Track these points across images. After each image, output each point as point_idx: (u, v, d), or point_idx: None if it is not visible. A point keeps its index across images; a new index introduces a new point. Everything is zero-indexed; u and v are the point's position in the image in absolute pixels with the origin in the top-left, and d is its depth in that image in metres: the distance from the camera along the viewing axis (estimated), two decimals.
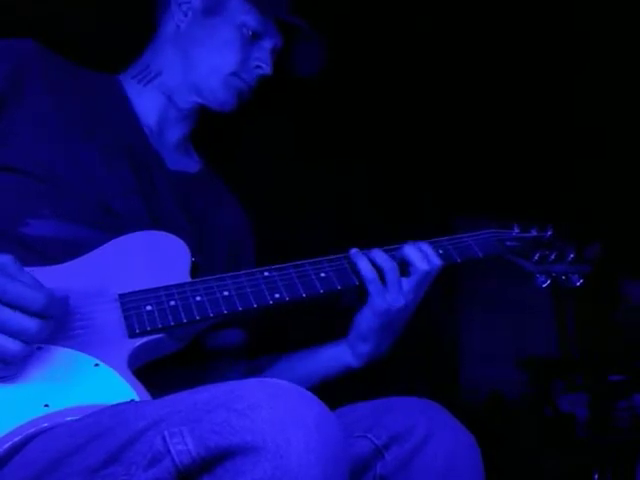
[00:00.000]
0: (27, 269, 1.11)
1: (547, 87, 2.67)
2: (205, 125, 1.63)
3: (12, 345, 1.06)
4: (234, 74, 1.55)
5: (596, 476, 2.48)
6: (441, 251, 1.46)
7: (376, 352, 1.46)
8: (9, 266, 1.08)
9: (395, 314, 1.41)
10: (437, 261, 1.43)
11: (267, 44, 1.58)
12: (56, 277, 1.23)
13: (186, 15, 1.56)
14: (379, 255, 1.40)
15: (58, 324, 1.14)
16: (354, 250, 1.41)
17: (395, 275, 1.39)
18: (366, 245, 1.43)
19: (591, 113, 2.71)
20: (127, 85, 1.57)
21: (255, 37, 1.56)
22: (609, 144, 2.80)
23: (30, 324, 1.06)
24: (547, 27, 2.52)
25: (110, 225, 1.36)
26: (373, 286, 1.39)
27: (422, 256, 1.41)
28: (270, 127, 2.15)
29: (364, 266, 1.38)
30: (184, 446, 0.91)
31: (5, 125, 1.37)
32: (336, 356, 1.48)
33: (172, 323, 1.24)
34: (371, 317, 1.41)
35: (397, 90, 2.52)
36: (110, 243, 1.33)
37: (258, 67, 1.57)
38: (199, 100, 1.58)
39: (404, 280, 1.40)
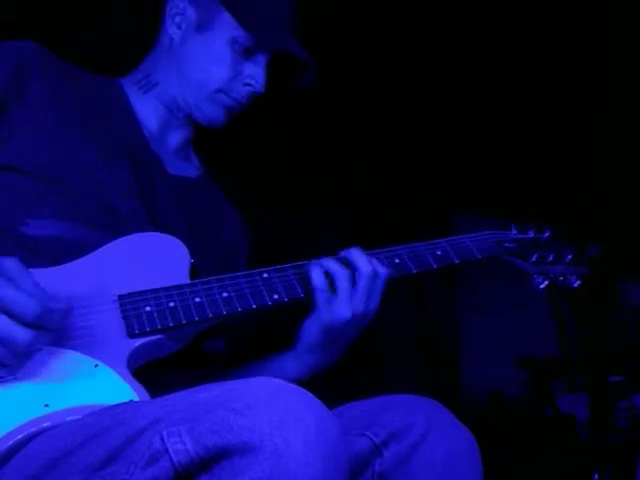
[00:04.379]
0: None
1: (547, 87, 2.67)
2: (206, 130, 1.62)
3: (3, 352, 1.05)
4: (221, 91, 1.52)
5: (596, 476, 2.48)
6: (439, 252, 1.46)
7: (324, 363, 1.42)
8: (11, 270, 1.07)
9: (342, 326, 1.36)
10: (382, 268, 1.37)
11: (261, 59, 1.52)
12: (56, 279, 1.24)
13: (180, 28, 1.54)
14: (331, 263, 1.36)
15: (57, 332, 1.12)
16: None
17: (346, 283, 1.35)
18: (367, 246, 1.43)
19: (591, 115, 2.71)
20: (129, 90, 1.57)
21: (247, 52, 1.51)
22: (609, 145, 2.80)
23: (20, 334, 1.04)
24: (547, 26, 2.52)
25: (110, 226, 1.36)
26: (321, 296, 1.34)
27: (367, 260, 1.36)
28: (268, 127, 2.15)
29: (315, 274, 1.34)
30: (182, 445, 0.92)
31: (7, 126, 1.37)
32: (281, 368, 1.43)
33: (171, 324, 1.25)
34: (316, 328, 1.38)
35: (397, 89, 2.52)
36: (110, 244, 1.33)
37: (248, 85, 1.53)
38: (190, 114, 1.56)
39: (353, 290, 1.35)
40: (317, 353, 1.40)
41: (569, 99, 2.67)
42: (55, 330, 1.10)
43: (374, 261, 1.38)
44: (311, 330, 1.38)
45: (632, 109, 2.64)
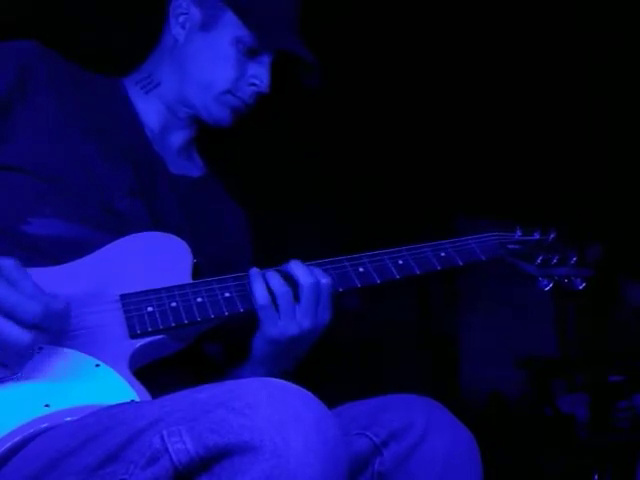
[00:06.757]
0: (29, 270, 1.10)
1: (548, 89, 2.67)
2: (209, 130, 1.62)
3: (4, 354, 1.05)
4: (227, 92, 1.51)
5: (596, 476, 2.48)
6: (443, 254, 1.45)
7: (276, 375, 1.35)
8: (10, 271, 1.07)
9: (289, 342, 1.33)
10: (325, 279, 1.33)
11: (265, 59, 1.52)
12: (58, 278, 1.24)
13: (184, 28, 1.53)
14: (274, 277, 1.32)
15: (58, 332, 1.13)
16: (253, 270, 1.33)
17: (288, 301, 1.31)
18: (367, 247, 1.43)
19: (591, 114, 2.72)
20: (131, 89, 1.56)
21: (252, 52, 1.51)
22: (610, 145, 2.80)
23: (22, 336, 1.04)
24: (547, 27, 2.52)
25: (112, 225, 1.36)
26: (263, 312, 1.31)
27: (307, 271, 1.32)
28: (269, 127, 2.15)
29: (258, 289, 1.30)
30: (182, 445, 0.91)
31: (10, 125, 1.37)
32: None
33: (173, 324, 1.24)
34: (262, 344, 1.34)
35: (399, 90, 2.52)
36: (112, 244, 1.33)
37: (253, 84, 1.52)
38: (195, 114, 1.56)
39: (297, 307, 1.31)
40: (267, 365, 1.38)
41: (570, 102, 2.67)
42: (55, 331, 1.10)
43: (316, 272, 1.33)
44: (258, 345, 1.36)
45: (631, 110, 2.64)
